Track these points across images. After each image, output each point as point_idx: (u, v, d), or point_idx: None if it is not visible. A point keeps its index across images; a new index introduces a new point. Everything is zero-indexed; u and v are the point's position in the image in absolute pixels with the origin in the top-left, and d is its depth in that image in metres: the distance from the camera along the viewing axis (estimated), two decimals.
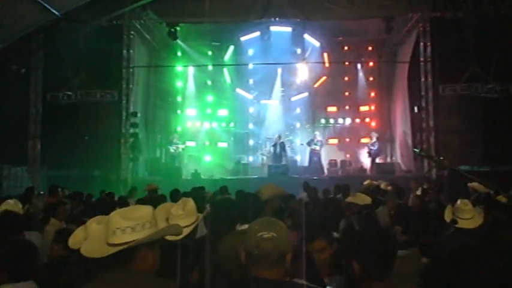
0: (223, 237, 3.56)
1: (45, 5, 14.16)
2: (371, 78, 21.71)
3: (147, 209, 2.60)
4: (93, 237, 2.72)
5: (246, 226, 3.46)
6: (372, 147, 19.08)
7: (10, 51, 15.31)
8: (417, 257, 3.74)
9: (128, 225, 2.44)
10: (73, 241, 3.44)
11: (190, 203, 3.73)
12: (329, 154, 20.18)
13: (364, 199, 6.74)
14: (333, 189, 9.97)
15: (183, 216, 3.50)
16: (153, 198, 7.69)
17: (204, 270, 3.19)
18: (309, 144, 19.23)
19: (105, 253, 2.41)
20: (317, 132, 19.67)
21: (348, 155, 20.60)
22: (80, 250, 3.25)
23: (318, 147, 18.93)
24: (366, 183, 11.24)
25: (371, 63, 21.50)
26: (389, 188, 9.91)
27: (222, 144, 21.34)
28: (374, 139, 19.21)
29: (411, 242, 4.42)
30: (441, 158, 8.88)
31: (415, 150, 16.83)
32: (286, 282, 2.44)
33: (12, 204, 5.31)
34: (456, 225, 4.90)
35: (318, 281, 3.05)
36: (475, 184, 9.48)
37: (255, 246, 2.36)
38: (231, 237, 3.60)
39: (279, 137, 19.38)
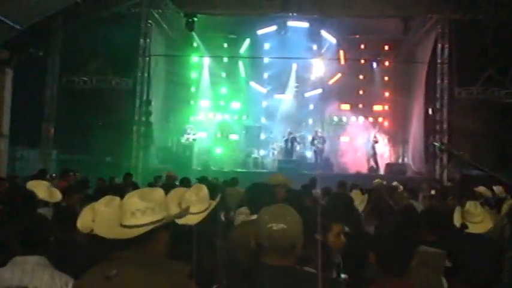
0: (237, 225, 3.56)
1: None
2: (386, 78, 21.59)
3: (160, 191, 2.60)
4: (103, 219, 2.71)
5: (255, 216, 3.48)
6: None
7: (28, 34, 15.36)
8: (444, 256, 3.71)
9: (148, 206, 2.43)
10: (81, 223, 3.46)
11: (204, 189, 3.72)
12: (341, 151, 20.10)
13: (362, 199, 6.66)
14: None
15: (196, 202, 3.49)
16: (171, 186, 7.73)
17: (215, 256, 3.20)
18: (311, 142, 19.29)
19: (123, 235, 2.40)
20: (319, 129, 19.64)
21: (359, 153, 20.52)
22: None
23: (320, 145, 18.97)
24: (375, 182, 11.20)
25: (387, 63, 21.36)
26: (400, 187, 9.85)
27: (234, 137, 21.36)
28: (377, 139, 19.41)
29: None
30: (461, 153, 8.84)
31: (435, 144, 16.74)
32: (297, 270, 2.42)
33: (35, 184, 5.35)
34: (466, 230, 4.84)
35: (331, 265, 3.05)
36: (481, 188, 9.43)
37: (265, 237, 2.34)
38: (242, 226, 3.60)
39: (291, 132, 19.39)
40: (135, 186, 7.93)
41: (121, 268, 2.32)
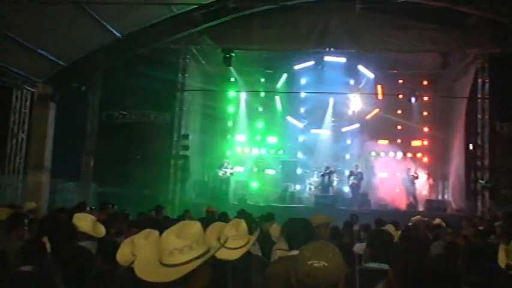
0: (274, 260, 3.51)
1: (108, 26, 14.67)
2: (425, 113, 21.32)
3: (196, 225, 2.56)
4: (144, 257, 2.70)
5: (295, 252, 3.42)
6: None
7: (71, 70, 15.86)
8: None
9: (186, 245, 2.40)
10: (121, 256, 3.47)
11: (243, 224, 3.70)
12: (379, 187, 19.80)
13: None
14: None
15: (236, 237, 3.46)
16: (211, 220, 7.75)
17: None
18: (349, 177, 19.17)
19: (165, 277, 2.36)
20: (358, 164, 19.45)
21: (397, 190, 20.18)
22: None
23: (357, 181, 18.77)
24: (414, 218, 10.99)
25: (425, 98, 21.13)
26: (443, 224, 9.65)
27: (270, 171, 21.31)
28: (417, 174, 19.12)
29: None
30: (508, 190, 8.60)
31: (480, 181, 16.38)
32: None
33: (80, 218, 5.42)
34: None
35: None
36: None
37: (306, 274, 2.28)
38: (280, 261, 3.55)
39: (328, 167, 19.26)
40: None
41: None
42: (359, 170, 19.15)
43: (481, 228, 10.11)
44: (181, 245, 2.38)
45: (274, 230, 5.91)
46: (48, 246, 4.35)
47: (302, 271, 2.29)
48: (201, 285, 2.45)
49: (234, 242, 3.31)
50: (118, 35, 15.37)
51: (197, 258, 2.38)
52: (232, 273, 2.84)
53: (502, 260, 4.60)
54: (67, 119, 16.52)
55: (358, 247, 6.48)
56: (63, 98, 16.20)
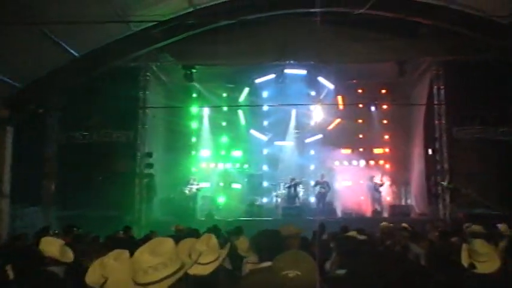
0: (246, 273, 3.54)
1: (66, 46, 14.50)
2: (385, 121, 21.72)
3: (169, 242, 2.57)
4: (117, 278, 2.69)
5: (267, 263, 3.45)
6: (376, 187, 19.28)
7: (29, 91, 15.58)
8: None
9: (160, 262, 2.41)
10: (90, 278, 3.44)
11: (213, 238, 3.72)
12: (343, 196, 20.02)
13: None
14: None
15: (207, 252, 3.48)
16: (181, 238, 7.73)
17: None
18: (315, 185, 19.36)
19: None
20: (323, 173, 19.63)
21: (362, 197, 20.44)
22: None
23: (324, 190, 18.96)
24: (382, 224, 11.15)
25: (385, 106, 21.56)
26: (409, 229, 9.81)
27: (236, 186, 21.30)
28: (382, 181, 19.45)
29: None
30: (469, 191, 8.88)
31: (443, 183, 16.73)
32: None
33: (48, 242, 5.33)
34: (474, 270, 4.75)
35: None
36: (476, 227, 9.48)
37: (280, 284, 2.32)
38: (253, 274, 3.58)
39: (293, 178, 19.38)
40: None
41: None
42: (325, 179, 19.32)
43: (442, 230, 10.34)
44: (155, 263, 2.39)
45: (242, 243, 5.93)
46: (11, 273, 4.27)
47: (276, 282, 2.33)
48: None
49: (205, 257, 3.33)
50: (75, 54, 15.20)
51: (172, 275, 2.40)
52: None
53: (465, 260, 4.76)
54: (26, 142, 16.15)
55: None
56: (20, 121, 15.86)
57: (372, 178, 19.70)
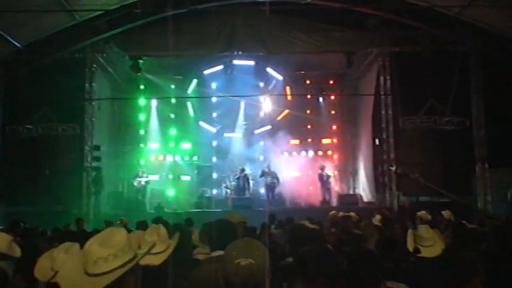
0: (199, 263, 3.53)
1: (7, 36, 14.03)
2: (333, 112, 22.05)
3: (121, 232, 2.54)
4: (68, 269, 2.63)
5: (219, 252, 3.45)
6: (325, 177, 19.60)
7: None
8: None
9: (110, 253, 2.37)
10: (40, 272, 3.36)
11: (162, 228, 3.70)
12: (293, 186, 20.20)
13: None
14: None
15: (158, 242, 3.45)
16: (128, 230, 7.66)
17: None
18: (261, 176, 19.42)
19: (91, 287, 2.32)
20: (269, 163, 19.73)
21: (311, 187, 20.70)
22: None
23: (271, 180, 19.09)
24: (331, 213, 11.31)
25: (333, 97, 21.85)
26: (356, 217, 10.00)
27: (186, 178, 21.18)
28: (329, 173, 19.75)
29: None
30: (416, 175, 9.17)
31: (391, 168, 17.08)
32: None
33: None
34: (419, 255, 4.93)
35: None
36: (422, 213, 9.86)
37: (233, 273, 2.32)
38: (206, 263, 3.57)
39: (242, 170, 19.42)
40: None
41: None
42: (272, 170, 19.41)
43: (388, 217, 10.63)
44: (106, 254, 2.36)
45: (193, 234, 5.92)
46: None
47: (229, 270, 2.32)
48: None
49: (156, 247, 3.30)
50: (18, 45, 14.73)
51: (122, 266, 2.36)
52: (157, 278, 2.83)
53: (410, 244, 4.96)
54: None
55: None
56: None
57: (323, 168, 19.93)
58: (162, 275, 3.00)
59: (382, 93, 17.93)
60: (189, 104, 21.41)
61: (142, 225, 7.94)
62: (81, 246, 2.53)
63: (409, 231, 5.25)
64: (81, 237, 4.07)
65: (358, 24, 16.56)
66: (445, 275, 4.74)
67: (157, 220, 8.46)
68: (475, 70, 17.15)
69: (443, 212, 9.86)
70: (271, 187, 19.18)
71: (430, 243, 4.94)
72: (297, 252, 3.95)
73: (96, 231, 7.67)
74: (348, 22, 16.51)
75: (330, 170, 20.10)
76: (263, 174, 19.37)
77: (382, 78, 17.90)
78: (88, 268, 2.36)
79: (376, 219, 10.22)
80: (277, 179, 19.29)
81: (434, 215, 10.06)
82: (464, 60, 16.91)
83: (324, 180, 19.67)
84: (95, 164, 17.31)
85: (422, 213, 10.00)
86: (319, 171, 19.88)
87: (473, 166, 17.16)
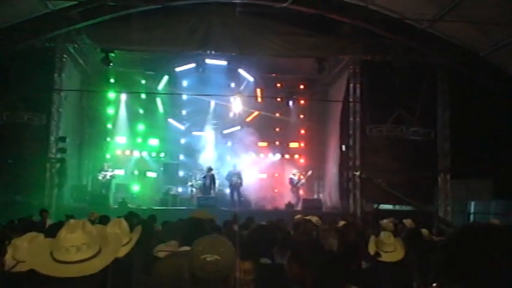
0: (162, 258, 3.54)
1: None
2: (302, 116, 22.22)
3: (93, 226, 2.55)
4: (32, 256, 2.61)
5: (185, 248, 3.48)
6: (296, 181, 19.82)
7: None
8: None
9: (83, 242, 2.39)
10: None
11: (123, 222, 3.72)
12: (258, 188, 20.29)
13: None
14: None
15: (120, 235, 3.46)
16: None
17: None
18: (226, 178, 19.46)
19: (60, 272, 2.32)
20: (236, 163, 19.81)
21: (276, 190, 20.83)
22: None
23: (236, 180, 19.16)
24: (297, 217, 11.40)
25: (302, 101, 22.02)
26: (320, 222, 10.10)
27: (151, 174, 21.10)
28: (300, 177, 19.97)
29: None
30: (380, 181, 9.33)
31: (356, 173, 17.28)
32: None
33: None
34: (379, 259, 5.08)
35: None
36: (384, 221, 10.11)
37: (199, 268, 2.36)
38: (169, 258, 3.58)
39: (209, 169, 19.40)
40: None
41: None
42: (237, 170, 19.46)
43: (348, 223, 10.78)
44: (79, 243, 2.36)
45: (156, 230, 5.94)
46: None
47: (195, 265, 2.36)
48: (95, 283, 2.44)
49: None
50: None
51: (92, 257, 2.38)
52: (120, 271, 2.84)
53: (371, 248, 5.13)
54: None
55: None
56: None
57: (293, 172, 20.14)
58: (125, 267, 3.00)
59: (351, 100, 18.12)
60: (158, 100, 21.31)
61: (104, 220, 7.88)
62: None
63: (372, 237, 5.39)
64: (44, 228, 4.05)
65: (331, 30, 16.70)
66: (399, 280, 4.93)
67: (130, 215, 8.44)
68: (442, 83, 17.53)
69: (404, 221, 10.07)
70: (236, 187, 19.23)
71: (391, 249, 5.09)
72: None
73: (60, 223, 7.63)
74: (321, 28, 16.64)
75: (300, 176, 20.24)
76: (229, 175, 19.38)
77: (352, 85, 18.07)
78: (58, 255, 2.36)
79: (340, 224, 10.38)
80: (241, 179, 19.34)
81: (396, 223, 10.28)
82: (433, 73, 17.27)
83: (293, 184, 19.86)
84: (59, 155, 17.03)
85: (385, 222, 10.23)
86: (291, 175, 20.07)
87: (436, 177, 17.50)
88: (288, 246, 4.52)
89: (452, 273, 1.94)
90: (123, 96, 20.80)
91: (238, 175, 19.34)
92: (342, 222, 10.68)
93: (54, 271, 2.31)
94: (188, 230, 3.91)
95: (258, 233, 4.99)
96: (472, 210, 18.59)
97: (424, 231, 8.02)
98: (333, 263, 3.57)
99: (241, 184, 19.34)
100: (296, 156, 22.19)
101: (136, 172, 20.88)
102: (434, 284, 2.39)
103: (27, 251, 3.01)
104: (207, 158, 20.90)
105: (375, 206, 16.76)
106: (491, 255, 1.86)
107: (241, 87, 21.12)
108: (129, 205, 17.49)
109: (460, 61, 16.70)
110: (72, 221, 2.50)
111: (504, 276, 1.83)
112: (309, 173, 20.50)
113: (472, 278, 1.86)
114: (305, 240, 3.55)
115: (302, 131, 22.32)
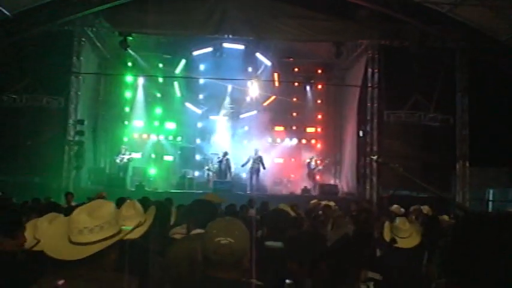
0: (176, 240, 3.57)
1: None
2: (319, 101, 22.14)
3: (109, 205, 2.56)
4: (50, 236, 2.65)
5: (198, 230, 3.50)
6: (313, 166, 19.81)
7: None
8: None
9: (97, 224, 2.40)
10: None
11: (137, 203, 3.74)
12: (275, 173, 20.32)
13: None
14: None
15: (135, 216, 3.49)
16: None
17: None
18: (243, 165, 19.49)
19: (73, 255, 2.34)
20: (257, 149, 19.72)
21: (292, 175, 20.83)
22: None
23: (257, 165, 19.14)
24: (312, 202, 11.44)
25: (319, 86, 21.91)
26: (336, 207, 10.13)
27: (168, 158, 21.20)
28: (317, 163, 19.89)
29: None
30: (396, 165, 9.32)
31: (373, 158, 17.22)
32: (243, 283, 2.47)
33: None
34: (395, 245, 5.07)
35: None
36: (394, 207, 10.07)
37: (213, 251, 2.37)
38: (183, 240, 3.61)
39: (225, 153, 19.44)
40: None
41: (70, 282, 2.28)
42: (259, 155, 19.45)
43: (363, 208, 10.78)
44: (92, 225, 2.39)
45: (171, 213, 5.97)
46: None
47: (209, 248, 2.38)
48: (109, 265, 2.46)
49: (134, 221, 3.34)
50: (7, 13, 14.52)
51: (107, 238, 2.39)
52: (135, 253, 2.86)
53: (386, 235, 5.11)
54: None
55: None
56: None
57: (311, 157, 20.14)
58: (140, 249, 3.03)
59: (369, 85, 18.00)
60: (176, 84, 21.34)
61: (121, 202, 7.94)
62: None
63: (386, 223, 5.39)
64: (67, 210, 4.09)
65: (348, 15, 16.54)
66: (415, 266, 4.92)
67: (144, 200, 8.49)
68: (461, 69, 17.32)
69: (422, 207, 10.02)
70: (255, 172, 19.21)
71: (406, 235, 5.08)
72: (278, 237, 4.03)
73: (79, 205, 7.73)
74: (339, 12, 16.49)
75: (319, 161, 20.23)
76: (249, 159, 19.33)
77: (370, 70, 17.96)
78: (72, 236, 2.38)
79: (354, 210, 10.41)
80: (263, 164, 19.31)
81: (411, 210, 10.22)
82: (452, 58, 17.06)
83: (311, 168, 19.85)
84: (77, 138, 17.19)
85: (394, 207, 10.23)
86: (308, 160, 20.07)
87: (454, 164, 17.37)
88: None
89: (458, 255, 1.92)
90: (141, 80, 20.84)
91: (258, 160, 19.30)
92: (355, 208, 10.75)
93: (65, 254, 2.35)
94: (198, 213, 3.92)
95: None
96: (490, 198, 18.43)
97: (445, 217, 8.02)
98: (347, 249, 3.56)
99: (259, 169, 19.29)
100: (313, 141, 22.13)
101: (153, 155, 20.98)
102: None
103: (45, 230, 3.05)
104: (224, 142, 20.92)
105: (391, 192, 16.64)
106: (495, 243, 1.84)
107: (259, 72, 21.05)
108: (146, 188, 17.64)
109: (480, 46, 16.45)
110: (91, 202, 2.53)
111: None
112: (326, 161, 20.47)
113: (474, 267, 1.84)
114: (302, 236, 3.54)
115: (319, 116, 22.23)
